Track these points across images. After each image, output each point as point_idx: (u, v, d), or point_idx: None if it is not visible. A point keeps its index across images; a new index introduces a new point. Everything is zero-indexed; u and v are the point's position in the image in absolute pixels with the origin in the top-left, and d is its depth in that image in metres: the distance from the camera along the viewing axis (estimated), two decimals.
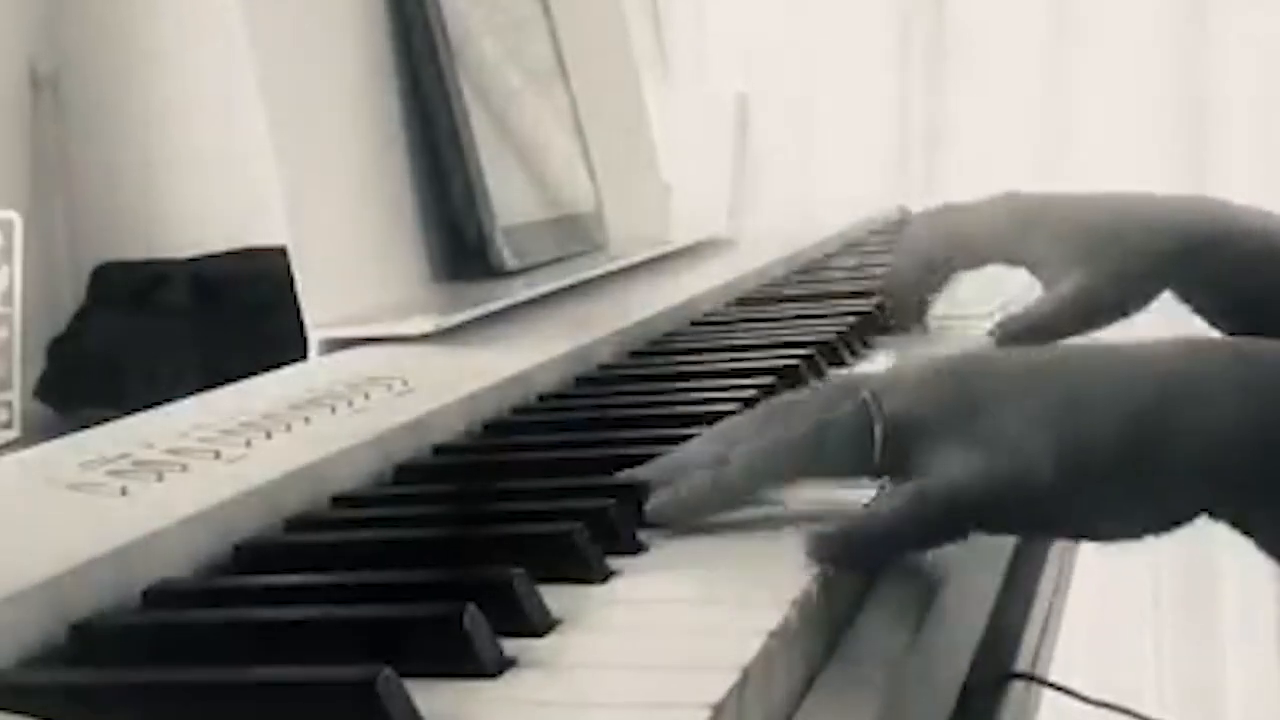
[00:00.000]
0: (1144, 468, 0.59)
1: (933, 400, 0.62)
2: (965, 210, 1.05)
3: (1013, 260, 1.02)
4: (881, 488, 0.64)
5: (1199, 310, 0.99)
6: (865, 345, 1.01)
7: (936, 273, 1.05)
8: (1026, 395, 0.61)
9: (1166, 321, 0.96)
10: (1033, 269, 1.01)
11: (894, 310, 1.08)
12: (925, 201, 2.02)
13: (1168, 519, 0.61)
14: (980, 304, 1.12)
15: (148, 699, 0.46)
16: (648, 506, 0.62)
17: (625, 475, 0.66)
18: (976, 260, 1.04)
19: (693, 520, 0.63)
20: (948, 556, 0.64)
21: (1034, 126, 2.34)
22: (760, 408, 0.69)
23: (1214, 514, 0.61)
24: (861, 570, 0.60)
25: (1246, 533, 0.62)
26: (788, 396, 0.70)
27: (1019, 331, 0.98)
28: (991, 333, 1.01)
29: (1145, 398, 0.60)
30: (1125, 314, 0.98)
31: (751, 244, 1.50)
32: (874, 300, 1.10)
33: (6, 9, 1.60)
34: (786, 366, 0.87)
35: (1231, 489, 0.60)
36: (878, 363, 0.97)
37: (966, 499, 0.60)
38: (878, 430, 0.61)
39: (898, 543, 0.61)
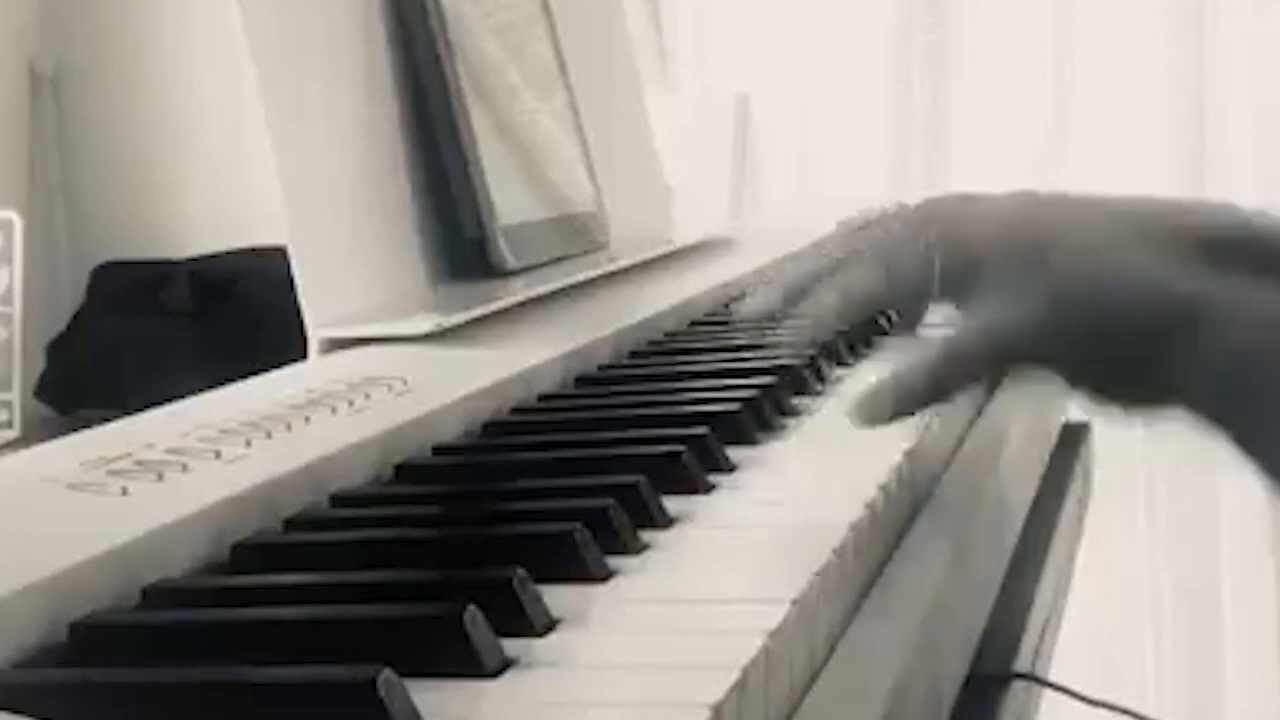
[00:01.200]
0: (1155, 340, 0.66)
1: (997, 236, 0.71)
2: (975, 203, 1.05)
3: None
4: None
5: None
6: (866, 345, 1.01)
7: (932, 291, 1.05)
8: (1077, 240, 0.69)
9: None
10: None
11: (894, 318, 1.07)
12: None
13: (1153, 396, 0.69)
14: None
15: (147, 699, 0.46)
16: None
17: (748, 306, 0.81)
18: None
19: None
20: (948, 557, 0.64)
21: (1034, 126, 2.34)
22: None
23: (1207, 413, 0.67)
24: (924, 401, 0.70)
25: (1248, 454, 0.67)
26: (879, 235, 0.80)
27: None
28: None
29: (1169, 310, 0.67)
30: None
31: (751, 244, 1.50)
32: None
33: (6, 9, 1.60)
34: (786, 366, 0.87)
35: (1230, 409, 0.67)
36: (882, 362, 0.97)
37: (1003, 335, 0.69)
38: (936, 271, 0.71)
39: (953, 367, 0.70)
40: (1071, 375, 0.72)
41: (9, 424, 1.32)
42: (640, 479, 0.64)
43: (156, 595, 0.55)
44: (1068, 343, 0.68)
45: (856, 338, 1.00)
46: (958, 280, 0.71)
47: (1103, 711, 0.83)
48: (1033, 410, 1.02)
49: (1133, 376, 0.68)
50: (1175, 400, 0.68)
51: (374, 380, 0.81)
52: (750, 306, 0.82)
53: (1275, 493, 0.66)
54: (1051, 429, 1.20)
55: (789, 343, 0.78)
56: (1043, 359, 0.71)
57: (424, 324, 0.93)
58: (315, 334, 0.92)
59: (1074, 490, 1.15)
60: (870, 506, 0.64)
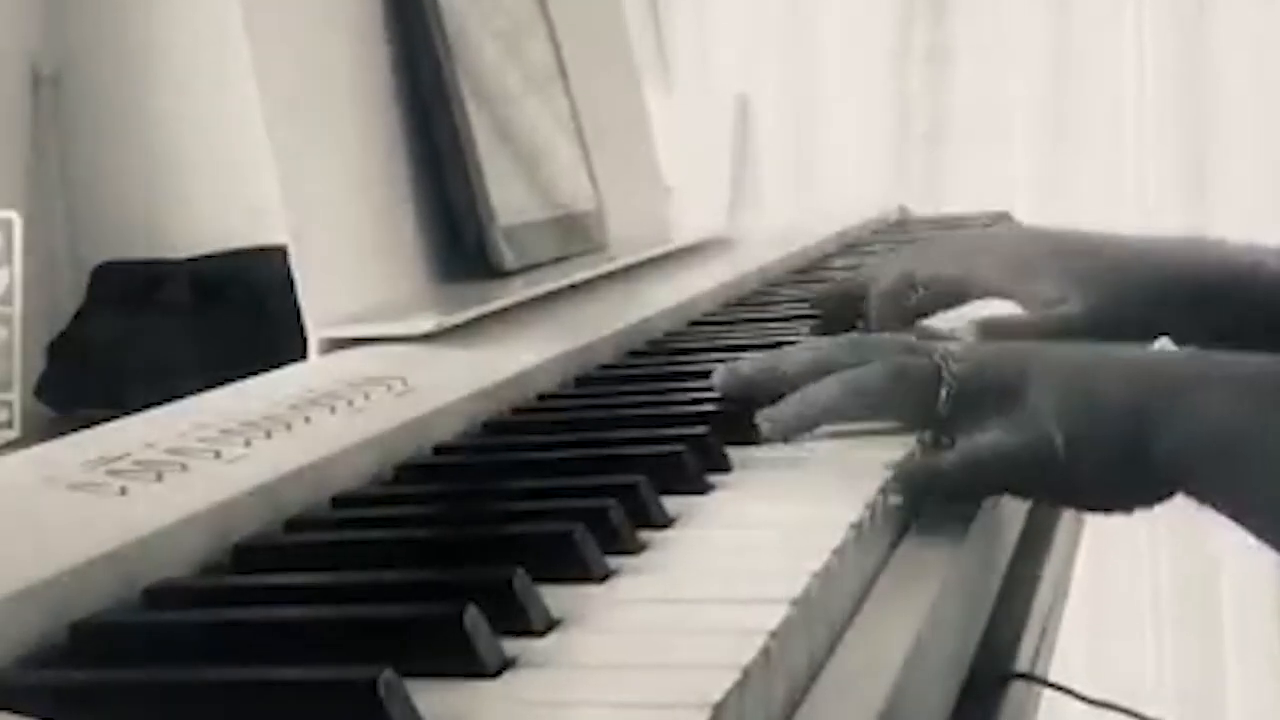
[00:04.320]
0: (1133, 454, 0.71)
1: (994, 376, 0.74)
2: (959, 241, 1.07)
3: (1005, 296, 1.03)
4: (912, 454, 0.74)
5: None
6: None
7: (914, 299, 1.05)
8: (1060, 386, 0.73)
9: None
10: (1025, 304, 1.01)
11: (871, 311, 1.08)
12: (925, 201, 2.03)
13: (1152, 496, 0.74)
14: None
15: (148, 699, 0.46)
16: (760, 416, 0.75)
17: (728, 368, 0.80)
18: (967, 295, 1.04)
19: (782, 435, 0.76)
20: (947, 557, 0.64)
21: (1034, 126, 2.34)
22: (846, 340, 0.82)
23: (1198, 497, 0.73)
24: (918, 504, 0.71)
25: (1235, 517, 0.73)
26: (873, 337, 0.85)
27: (1000, 332, 0.98)
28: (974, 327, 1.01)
29: (1138, 396, 0.72)
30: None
31: (751, 244, 1.50)
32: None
33: (7, 9, 1.60)
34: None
35: (1211, 480, 0.72)
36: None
37: (1001, 462, 0.72)
38: (943, 391, 0.73)
39: (959, 487, 0.72)
40: (1063, 493, 0.77)
41: (9, 424, 1.32)
42: (640, 479, 0.64)
43: (157, 595, 0.55)
44: (1055, 469, 0.72)
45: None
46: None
47: (1103, 711, 0.83)
48: None
49: (1122, 481, 0.73)
50: (1163, 486, 0.73)
51: (374, 380, 0.81)
52: (734, 373, 0.81)
53: (1275, 551, 0.70)
54: None
55: (776, 416, 0.76)
56: (1030, 487, 0.75)
57: (424, 324, 0.93)
58: (315, 334, 0.92)
59: None
60: (870, 506, 0.64)
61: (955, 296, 1.04)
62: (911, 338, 0.85)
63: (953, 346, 0.77)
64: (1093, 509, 0.78)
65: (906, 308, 1.05)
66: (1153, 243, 1.07)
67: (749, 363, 0.81)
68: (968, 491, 0.73)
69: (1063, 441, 0.71)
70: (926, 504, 0.71)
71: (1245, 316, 0.99)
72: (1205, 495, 0.73)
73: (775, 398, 0.77)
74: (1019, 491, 0.77)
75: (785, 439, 0.76)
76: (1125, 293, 0.99)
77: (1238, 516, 0.73)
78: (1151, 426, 0.71)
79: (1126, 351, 0.82)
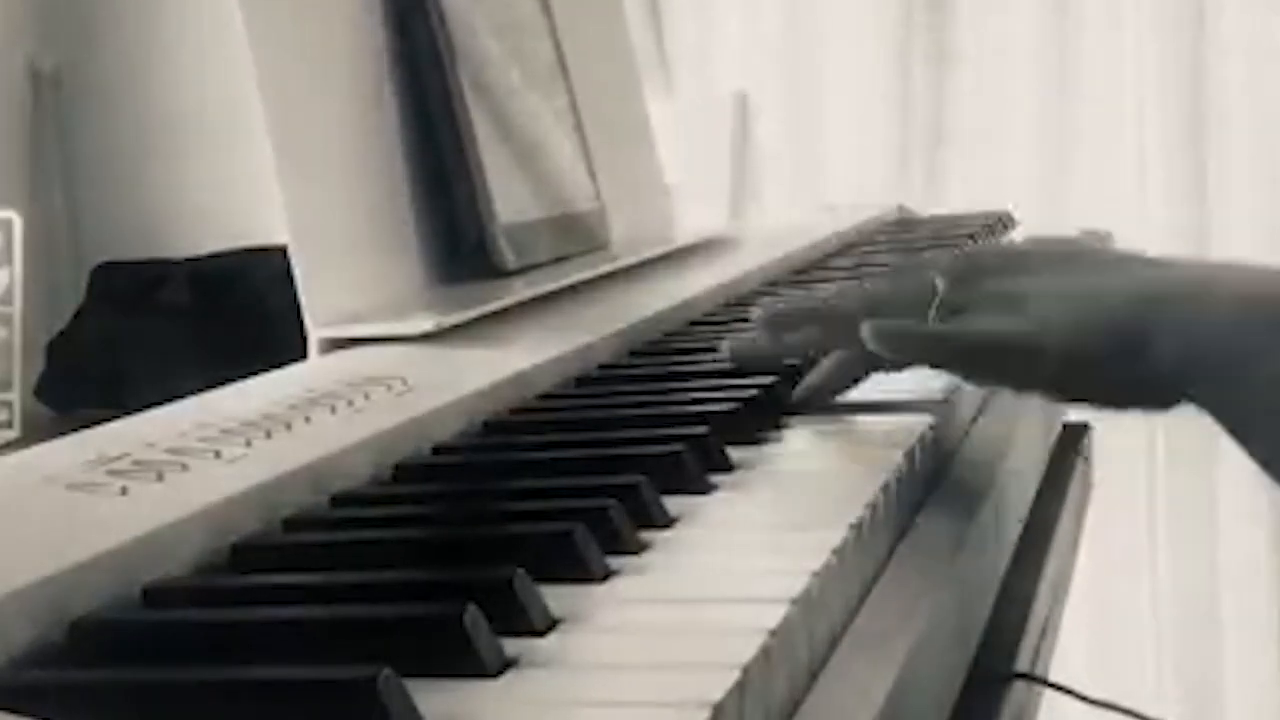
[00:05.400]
0: (1136, 351, 0.70)
1: (992, 263, 0.76)
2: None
3: None
4: None
5: None
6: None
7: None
8: (1055, 277, 0.74)
9: None
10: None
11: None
12: (925, 201, 2.03)
13: (1148, 399, 0.72)
14: None
15: (147, 698, 0.46)
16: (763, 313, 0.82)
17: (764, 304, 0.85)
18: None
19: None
20: (948, 556, 0.64)
21: (1034, 126, 2.34)
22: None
23: (1201, 406, 0.70)
24: (895, 361, 0.77)
25: (1232, 431, 0.70)
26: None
27: None
28: None
29: (1141, 302, 0.71)
30: None
31: (752, 244, 1.50)
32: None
33: (7, 8, 1.60)
34: (786, 366, 0.87)
35: (1209, 389, 0.70)
36: None
37: (994, 342, 0.73)
38: (934, 304, 0.74)
39: (935, 353, 0.75)
40: (1062, 387, 0.76)
41: (9, 424, 1.32)
42: (640, 479, 0.64)
43: (156, 595, 0.55)
44: (1058, 357, 0.72)
45: None
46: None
47: (1103, 711, 0.83)
48: (1033, 410, 1.02)
49: (1123, 376, 0.71)
50: (1168, 393, 0.71)
51: (374, 380, 0.81)
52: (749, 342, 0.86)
53: (1270, 478, 0.68)
54: (1051, 429, 1.20)
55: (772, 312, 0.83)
56: (1035, 375, 0.75)
57: (424, 324, 0.93)
58: (315, 334, 0.92)
59: (1074, 490, 1.15)
60: (871, 506, 0.64)
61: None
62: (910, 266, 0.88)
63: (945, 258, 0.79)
64: (1089, 404, 0.76)
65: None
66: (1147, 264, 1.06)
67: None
68: (947, 363, 0.75)
69: (1063, 330, 0.70)
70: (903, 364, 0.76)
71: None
72: (1207, 405, 0.70)
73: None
74: (1005, 377, 0.77)
75: (781, 335, 0.82)
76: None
77: (1239, 435, 0.70)
78: (1155, 325, 0.69)
79: (1137, 257, 0.79)
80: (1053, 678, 0.81)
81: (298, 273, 0.93)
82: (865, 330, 0.74)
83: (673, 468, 0.68)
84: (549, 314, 1.04)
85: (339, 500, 0.67)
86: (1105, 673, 2.20)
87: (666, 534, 0.62)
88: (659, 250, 1.33)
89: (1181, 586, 2.30)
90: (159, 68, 1.71)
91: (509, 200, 1.14)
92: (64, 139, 1.63)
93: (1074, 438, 1.24)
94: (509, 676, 0.48)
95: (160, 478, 0.63)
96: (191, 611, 0.54)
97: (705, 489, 0.68)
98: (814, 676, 0.53)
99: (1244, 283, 0.72)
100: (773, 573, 0.56)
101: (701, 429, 0.73)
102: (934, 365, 0.78)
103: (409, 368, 0.85)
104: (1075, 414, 1.25)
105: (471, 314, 0.97)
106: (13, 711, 0.44)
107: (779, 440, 0.77)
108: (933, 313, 0.75)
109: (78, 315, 1.55)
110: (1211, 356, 0.69)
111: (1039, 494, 1.05)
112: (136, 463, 0.65)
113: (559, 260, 1.19)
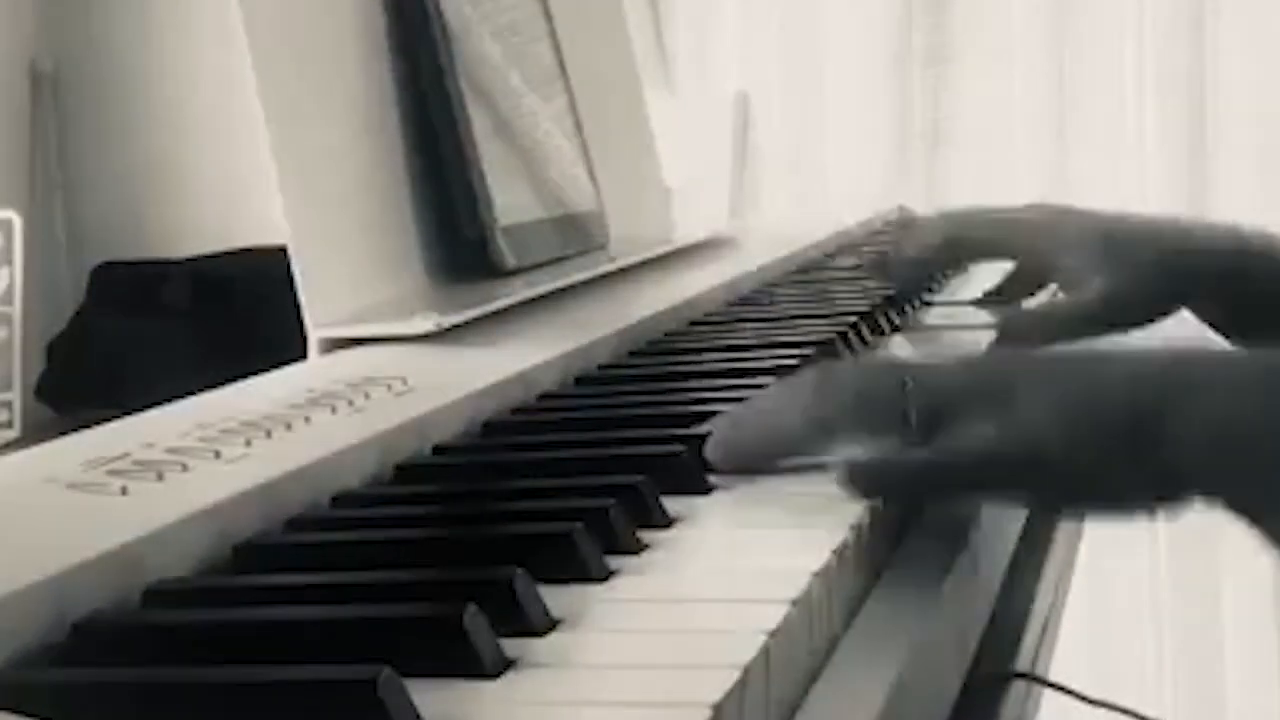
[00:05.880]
0: (1141, 452, 0.66)
1: (966, 381, 0.69)
2: (990, 208, 1.08)
3: (1032, 254, 1.03)
4: None
5: (1216, 327, 1.01)
6: (864, 344, 1.01)
7: (947, 250, 1.07)
8: (1047, 383, 0.68)
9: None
10: (1053, 268, 1.02)
11: (892, 267, 1.10)
12: (925, 201, 2.03)
13: (1157, 501, 0.68)
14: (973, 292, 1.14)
15: (148, 699, 0.46)
16: (710, 445, 0.70)
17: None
18: (995, 250, 1.06)
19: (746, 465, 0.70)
20: (948, 557, 0.64)
21: (1035, 126, 2.34)
22: (812, 374, 0.74)
23: (1210, 500, 0.67)
24: (886, 502, 0.66)
25: (1252, 521, 0.67)
26: (836, 367, 0.80)
27: (1025, 327, 0.99)
28: (997, 326, 1.02)
29: (1147, 393, 0.67)
30: (1140, 326, 0.99)
31: (752, 244, 1.50)
32: (873, 291, 1.11)
33: (7, 8, 1.60)
34: (786, 366, 0.87)
35: (1226, 476, 0.67)
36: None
37: (986, 463, 0.67)
38: (912, 412, 0.67)
39: (921, 486, 0.68)
40: (1053, 499, 0.73)
41: (9, 424, 1.32)
42: (640, 479, 0.64)
43: (157, 595, 0.55)
44: (1054, 464, 0.67)
45: (855, 337, 1.01)
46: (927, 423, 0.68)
47: (1103, 711, 0.83)
48: None
49: (1124, 483, 0.68)
50: (1171, 486, 0.68)
51: (374, 380, 0.81)
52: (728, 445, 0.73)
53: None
54: None
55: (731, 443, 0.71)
56: (1026, 485, 0.70)
57: (424, 324, 0.93)
58: (315, 334, 0.92)
59: None
60: (871, 506, 0.64)
61: (985, 256, 1.06)
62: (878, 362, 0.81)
63: (918, 364, 0.73)
64: (1088, 512, 0.75)
65: (932, 261, 1.08)
66: (1168, 219, 1.08)
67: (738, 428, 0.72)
68: (936, 491, 0.69)
69: (1061, 441, 0.66)
70: (886, 503, 0.66)
71: (1264, 296, 0.99)
72: (1219, 495, 0.68)
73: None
74: (1000, 493, 0.71)
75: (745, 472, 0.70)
76: (1162, 257, 1.00)
77: (1253, 517, 0.68)
78: (1158, 423, 0.66)
79: (1124, 350, 0.78)
80: (1053, 678, 0.81)
81: (298, 273, 0.93)
82: (837, 475, 0.66)
83: (673, 468, 0.68)
84: (549, 314, 1.04)
85: (340, 500, 0.67)
86: (1105, 673, 2.20)
87: (666, 534, 0.62)
88: (658, 250, 1.33)
89: (1181, 586, 2.30)
90: (159, 68, 1.71)
91: (509, 201, 1.14)
92: (64, 139, 1.63)
93: None
94: (509, 677, 0.48)
95: (160, 478, 0.63)
96: (192, 612, 0.54)
97: (705, 489, 0.68)
98: (814, 677, 0.53)
99: (1238, 360, 0.72)
100: (773, 573, 0.56)
101: (701, 429, 0.73)
102: (924, 501, 0.71)
103: (409, 368, 0.85)
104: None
105: (471, 314, 0.97)
106: (13, 711, 0.44)
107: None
108: (913, 416, 0.68)
109: (78, 315, 1.55)
110: (1221, 447, 0.66)
111: None
112: (136, 463, 0.65)
113: (558, 260, 1.19)
